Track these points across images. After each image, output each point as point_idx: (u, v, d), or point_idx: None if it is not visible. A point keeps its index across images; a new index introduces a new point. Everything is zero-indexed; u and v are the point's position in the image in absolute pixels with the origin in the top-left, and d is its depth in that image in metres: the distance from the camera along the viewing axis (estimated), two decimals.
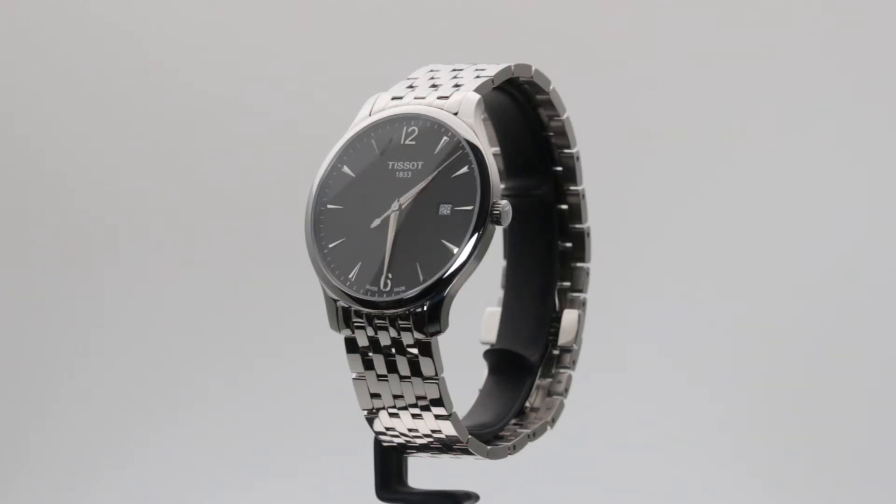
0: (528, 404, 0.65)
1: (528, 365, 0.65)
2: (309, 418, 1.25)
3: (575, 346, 0.66)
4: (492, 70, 0.58)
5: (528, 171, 0.65)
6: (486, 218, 0.54)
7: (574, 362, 0.66)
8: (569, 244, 0.66)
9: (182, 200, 1.30)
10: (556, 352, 0.66)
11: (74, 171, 1.31)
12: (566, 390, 0.65)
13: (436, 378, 0.55)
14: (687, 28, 1.20)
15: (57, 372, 1.31)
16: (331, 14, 1.27)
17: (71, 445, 1.30)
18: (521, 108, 0.63)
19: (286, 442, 1.27)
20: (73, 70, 1.31)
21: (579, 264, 0.67)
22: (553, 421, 0.65)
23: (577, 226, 0.66)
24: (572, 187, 0.65)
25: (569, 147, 0.64)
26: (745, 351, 1.19)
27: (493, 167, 0.55)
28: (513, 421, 0.64)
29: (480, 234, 0.54)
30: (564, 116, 0.63)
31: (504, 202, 0.54)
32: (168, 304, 1.30)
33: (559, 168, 0.65)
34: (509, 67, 0.59)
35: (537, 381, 0.65)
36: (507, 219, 0.54)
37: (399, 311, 0.54)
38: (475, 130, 0.55)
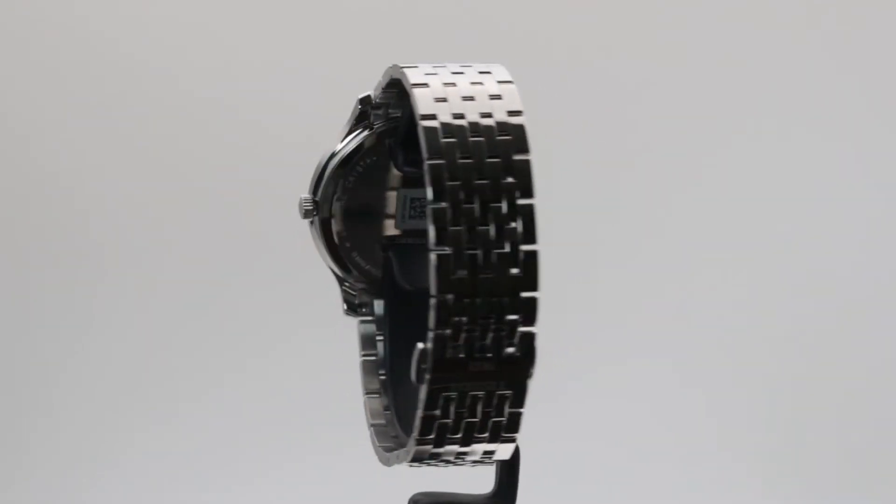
0: None
1: None
2: (304, 418, 1.25)
3: None
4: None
5: None
6: None
7: None
8: None
9: (176, 203, 1.29)
10: None
11: (70, 172, 1.30)
12: None
13: None
14: (681, 28, 1.20)
15: (50, 373, 1.30)
16: (322, 16, 1.27)
17: (65, 446, 1.29)
18: None
19: (281, 440, 1.26)
20: (66, 74, 1.30)
21: None
22: None
23: None
24: None
25: None
26: (742, 351, 1.18)
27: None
28: None
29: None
30: None
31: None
32: (162, 304, 1.29)
33: None
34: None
35: None
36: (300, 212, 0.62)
37: None
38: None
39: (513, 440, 0.55)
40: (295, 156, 1.17)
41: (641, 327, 1.20)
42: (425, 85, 0.55)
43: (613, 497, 1.19)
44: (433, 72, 0.56)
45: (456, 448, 0.55)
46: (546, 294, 1.23)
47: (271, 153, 1.26)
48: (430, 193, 0.53)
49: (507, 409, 0.54)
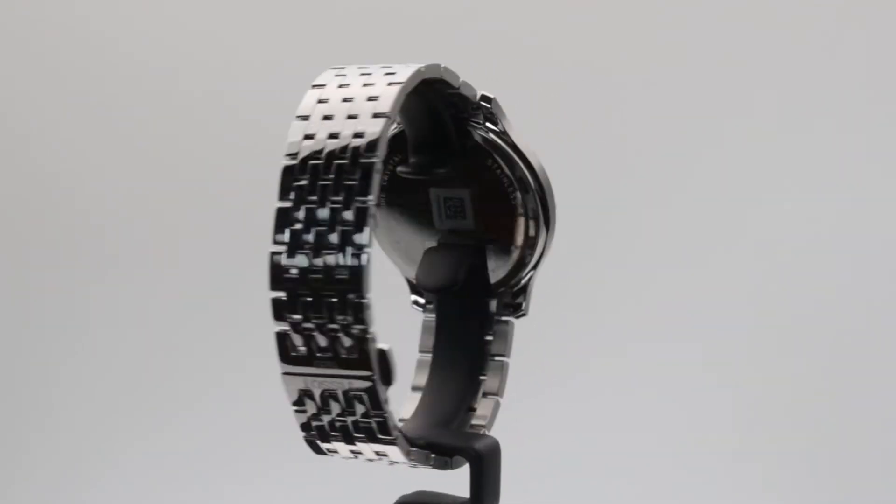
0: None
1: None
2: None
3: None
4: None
5: None
6: None
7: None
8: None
9: (176, 202, 1.29)
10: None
11: (70, 172, 1.30)
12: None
13: None
14: (681, 28, 1.20)
15: (50, 373, 1.31)
16: (311, 15, 1.27)
17: (65, 446, 1.29)
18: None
19: (280, 441, 1.26)
20: (66, 74, 1.31)
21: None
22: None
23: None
24: None
25: None
26: (742, 351, 1.18)
27: None
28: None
29: None
30: None
31: None
32: (161, 303, 1.29)
33: None
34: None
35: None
36: None
37: None
38: None
39: (392, 443, 0.54)
40: None
41: (641, 327, 1.20)
42: (322, 86, 0.56)
43: (613, 496, 1.19)
44: (343, 73, 0.57)
45: (344, 446, 0.55)
46: (546, 293, 1.23)
47: (271, 153, 1.26)
48: (278, 193, 0.53)
49: (371, 413, 0.53)
